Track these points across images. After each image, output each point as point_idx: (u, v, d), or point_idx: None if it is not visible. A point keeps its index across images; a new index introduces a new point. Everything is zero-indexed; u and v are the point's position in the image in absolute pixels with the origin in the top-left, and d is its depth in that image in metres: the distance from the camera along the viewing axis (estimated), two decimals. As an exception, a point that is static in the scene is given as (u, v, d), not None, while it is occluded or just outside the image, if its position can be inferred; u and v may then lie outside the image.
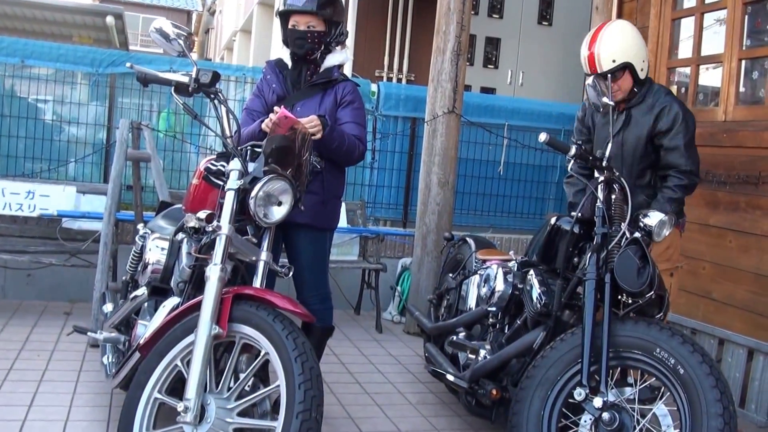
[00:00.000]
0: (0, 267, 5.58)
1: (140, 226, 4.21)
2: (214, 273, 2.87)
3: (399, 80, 8.71)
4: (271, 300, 2.87)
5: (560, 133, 7.05)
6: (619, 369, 3.27)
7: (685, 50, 5.57)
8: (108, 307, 4.20)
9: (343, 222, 6.00)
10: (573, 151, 3.43)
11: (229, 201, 3.01)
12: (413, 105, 6.70)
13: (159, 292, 3.42)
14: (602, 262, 3.31)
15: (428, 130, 5.61)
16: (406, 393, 4.53)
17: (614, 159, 3.86)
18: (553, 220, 3.74)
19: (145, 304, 3.56)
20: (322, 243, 3.94)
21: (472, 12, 8.49)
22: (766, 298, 4.51)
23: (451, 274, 4.71)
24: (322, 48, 3.78)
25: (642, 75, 3.91)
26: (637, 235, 3.35)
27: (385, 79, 8.60)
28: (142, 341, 3.05)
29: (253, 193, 2.99)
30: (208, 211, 2.98)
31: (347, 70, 8.01)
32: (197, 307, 2.87)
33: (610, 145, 3.54)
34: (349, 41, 8.14)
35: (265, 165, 3.06)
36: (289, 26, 3.77)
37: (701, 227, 4.97)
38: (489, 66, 8.73)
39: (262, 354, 2.83)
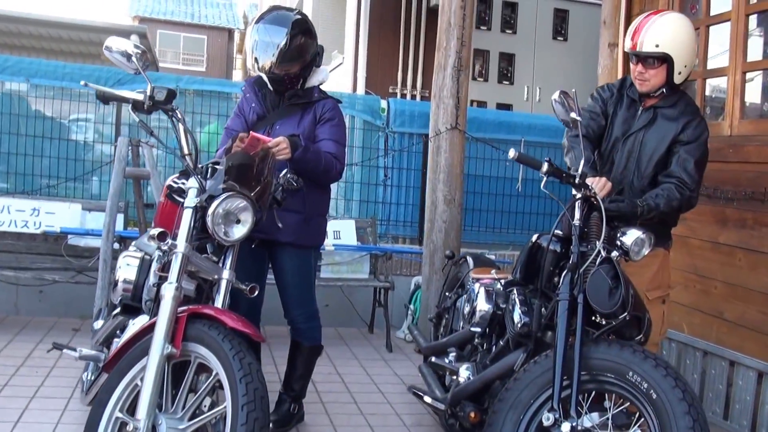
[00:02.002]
0: (12, 284, 5.66)
1: (133, 243, 4.23)
2: (168, 291, 2.86)
3: (413, 96, 8.68)
4: (222, 319, 2.84)
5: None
6: (594, 393, 3.16)
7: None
8: (98, 324, 4.21)
9: (353, 240, 5.98)
10: (545, 167, 3.31)
11: (186, 219, 3.00)
12: (425, 121, 6.58)
13: (131, 310, 3.41)
14: (576, 282, 3.20)
15: (432, 147, 5.57)
16: (402, 414, 4.46)
17: (630, 158, 3.76)
18: (534, 238, 3.65)
19: (129, 322, 3.57)
20: (306, 261, 3.91)
21: (485, 28, 8.51)
22: (775, 318, 4.34)
23: (448, 293, 4.64)
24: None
25: (678, 79, 3.68)
26: (614, 254, 3.24)
27: (399, 95, 8.57)
28: (106, 359, 3.06)
29: (210, 211, 2.98)
30: (160, 229, 2.96)
31: (360, 88, 8.02)
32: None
33: (582, 160, 3.43)
34: (361, 59, 8.19)
35: (224, 182, 3.04)
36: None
37: (712, 245, 4.81)
38: (504, 82, 8.64)
39: (213, 374, 2.80)
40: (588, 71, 8.83)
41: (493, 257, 5.35)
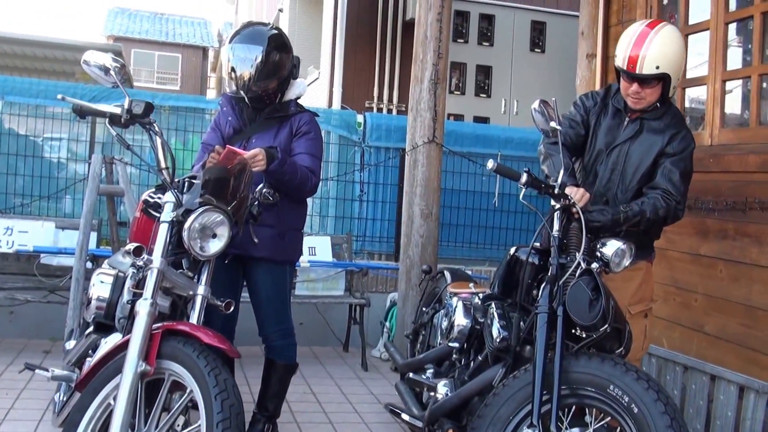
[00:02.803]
0: (-19, 304, 5.56)
1: (106, 261, 4.17)
2: (143, 308, 2.81)
3: (389, 110, 8.66)
4: (197, 335, 2.79)
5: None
6: (574, 407, 3.12)
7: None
8: (70, 344, 4.13)
9: (328, 256, 5.93)
10: (524, 178, 3.29)
11: (162, 234, 2.96)
12: (401, 135, 6.55)
13: (104, 328, 3.35)
14: (556, 295, 3.16)
15: (409, 161, 5.54)
16: (378, 434, 4.38)
17: (614, 171, 3.70)
18: (512, 251, 3.61)
19: (102, 341, 3.50)
20: (281, 276, 3.86)
21: (462, 40, 8.52)
22: (756, 331, 4.28)
23: (425, 308, 4.60)
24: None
25: (671, 92, 3.66)
26: (594, 265, 3.19)
27: (375, 109, 8.55)
28: (79, 378, 2.99)
29: (186, 225, 2.93)
30: (136, 245, 2.90)
31: (336, 103, 7.99)
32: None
33: (562, 171, 3.40)
34: (337, 73, 8.16)
35: (201, 197, 2.99)
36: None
37: (693, 257, 4.77)
38: (481, 95, 8.62)
39: (187, 391, 2.74)
40: (566, 83, 8.84)
41: (469, 272, 5.29)
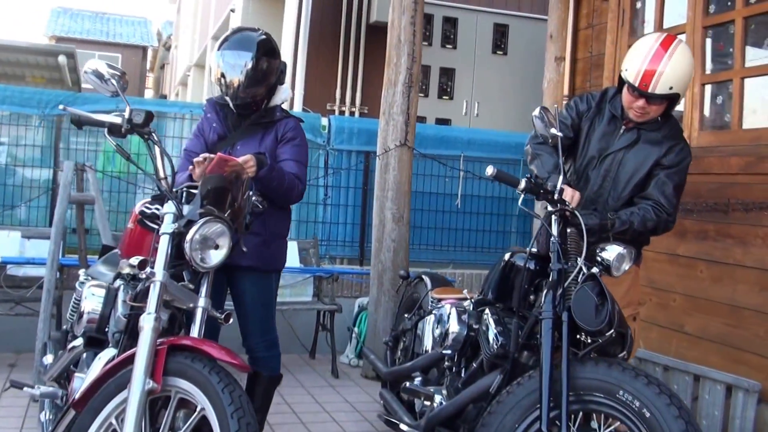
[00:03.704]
0: (-60, 317, 5.32)
1: (81, 271, 4.03)
2: (147, 323, 2.69)
3: (351, 113, 8.59)
4: (206, 351, 2.70)
5: (518, 164, 6.96)
6: (581, 413, 3.12)
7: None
8: (48, 359, 3.95)
9: (295, 262, 5.85)
10: (523, 184, 3.26)
11: (163, 246, 2.86)
12: (366, 138, 6.56)
13: (95, 342, 3.23)
14: (558, 300, 3.15)
15: (380, 165, 5.49)
16: (362, 442, 4.34)
17: (607, 178, 3.71)
18: (507, 256, 3.60)
19: (84, 356, 3.37)
20: (267, 286, 3.79)
21: (426, 43, 8.51)
22: (742, 330, 4.35)
23: (407, 315, 4.55)
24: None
25: (675, 108, 3.70)
26: (595, 270, 3.19)
27: (337, 112, 8.47)
28: (76, 397, 2.87)
29: (188, 237, 2.84)
30: (141, 258, 2.80)
31: (297, 105, 7.88)
32: (132, 359, 2.68)
33: (561, 176, 3.41)
34: (299, 75, 8.05)
35: (201, 207, 2.91)
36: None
37: (670, 257, 4.83)
38: (444, 97, 8.62)
39: (198, 409, 2.66)
40: (527, 84, 8.92)
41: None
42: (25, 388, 3.54)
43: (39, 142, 6.00)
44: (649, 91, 3.48)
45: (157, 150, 3.03)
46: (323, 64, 8.41)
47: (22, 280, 5.34)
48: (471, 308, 3.72)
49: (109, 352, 3.05)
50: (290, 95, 3.87)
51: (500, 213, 7.12)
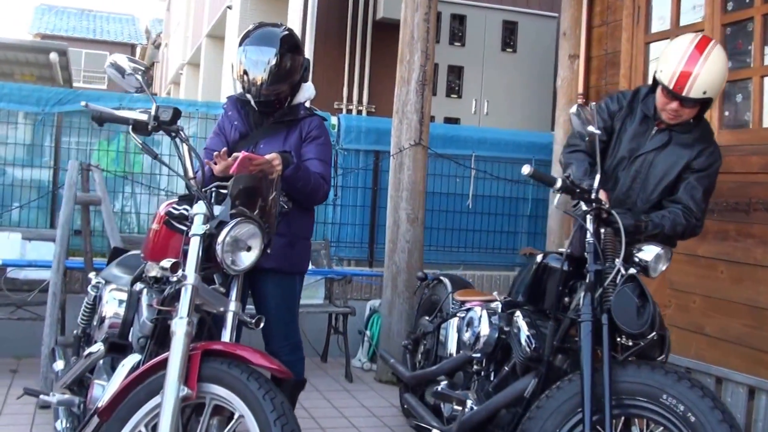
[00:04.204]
0: (-62, 322, 5.16)
1: (92, 275, 3.90)
2: (180, 328, 2.57)
3: (359, 112, 8.45)
4: (243, 356, 2.59)
5: (530, 163, 6.82)
6: (622, 418, 3.05)
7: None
8: (59, 365, 3.83)
9: (307, 264, 5.72)
10: (558, 184, 3.20)
11: (194, 248, 2.73)
12: (375, 137, 6.44)
13: (117, 348, 3.10)
14: (597, 302, 3.08)
15: (394, 164, 5.38)
16: (385, 447, 4.23)
17: (636, 179, 3.66)
18: (539, 258, 3.51)
19: (101, 362, 3.24)
20: (291, 288, 3.68)
21: (433, 41, 8.39)
22: (763, 331, 4.28)
23: (427, 317, 4.45)
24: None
25: (707, 111, 3.65)
26: (632, 271, 3.13)
27: (344, 111, 8.33)
28: (101, 404, 2.74)
29: (220, 239, 2.73)
30: (173, 260, 2.68)
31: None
32: (162, 365, 2.57)
33: (598, 175, 3.32)
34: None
35: (232, 207, 2.79)
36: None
37: (690, 258, 4.75)
38: (452, 95, 8.48)
39: (236, 417, 2.54)
40: (537, 82, 8.83)
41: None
42: (41, 396, 3.42)
43: (39, 140, 5.84)
44: (683, 94, 3.43)
45: (185, 148, 2.92)
46: (330, 62, 8.27)
47: (23, 283, 5.19)
48: (500, 310, 3.63)
49: (133, 358, 2.94)
50: (314, 93, 3.75)
51: (510, 213, 7.02)
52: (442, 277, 4.57)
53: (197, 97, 13.62)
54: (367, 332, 5.96)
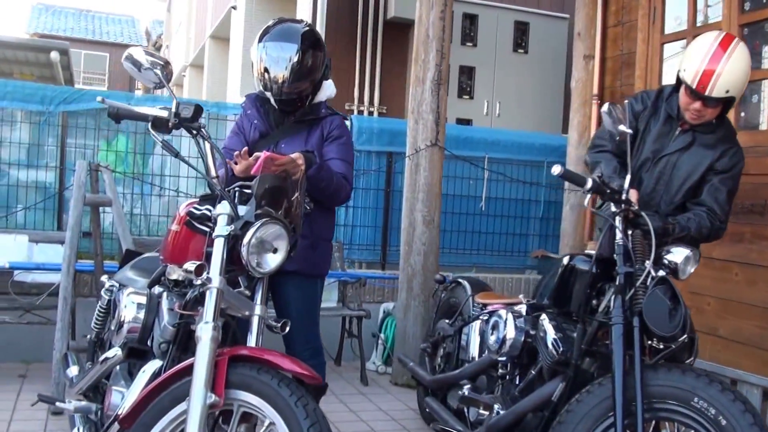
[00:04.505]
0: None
1: (104, 278, 3.81)
2: (205, 333, 2.47)
3: (370, 113, 8.36)
4: (273, 361, 2.50)
5: (542, 166, 6.80)
6: (653, 422, 3.00)
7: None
8: (73, 371, 3.73)
9: (320, 266, 5.65)
10: (589, 184, 3.15)
11: (218, 249, 2.64)
12: (388, 139, 6.37)
13: (136, 353, 3.01)
14: (627, 305, 3.03)
15: (410, 165, 5.30)
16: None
17: (660, 181, 3.62)
18: (566, 260, 3.45)
19: (117, 368, 3.16)
20: (312, 291, 3.58)
21: (446, 41, 8.31)
22: (776, 333, 4.27)
23: (447, 320, 4.38)
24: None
25: (730, 111, 3.61)
26: (662, 273, 3.08)
27: (356, 112, 8.24)
28: (123, 412, 2.65)
29: (245, 240, 2.62)
30: (198, 262, 2.59)
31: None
32: (186, 371, 2.48)
33: (629, 175, 3.26)
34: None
35: (257, 208, 2.71)
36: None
37: (704, 260, 4.66)
38: (464, 96, 8.39)
39: (267, 424, 2.45)
40: (548, 84, 8.76)
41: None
42: (57, 404, 3.33)
43: (44, 140, 5.73)
44: (706, 93, 3.39)
45: (207, 146, 2.83)
46: (340, 63, 8.17)
47: (30, 286, 5.08)
48: (525, 313, 3.56)
49: (154, 364, 2.84)
50: (334, 91, 3.66)
51: (522, 216, 6.95)
52: (460, 280, 4.52)
53: (201, 98, 13.53)
54: (381, 335, 5.89)
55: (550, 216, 6.97)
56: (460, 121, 8.36)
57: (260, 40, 3.43)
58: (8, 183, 5.65)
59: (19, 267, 4.94)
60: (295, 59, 3.35)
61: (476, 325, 3.99)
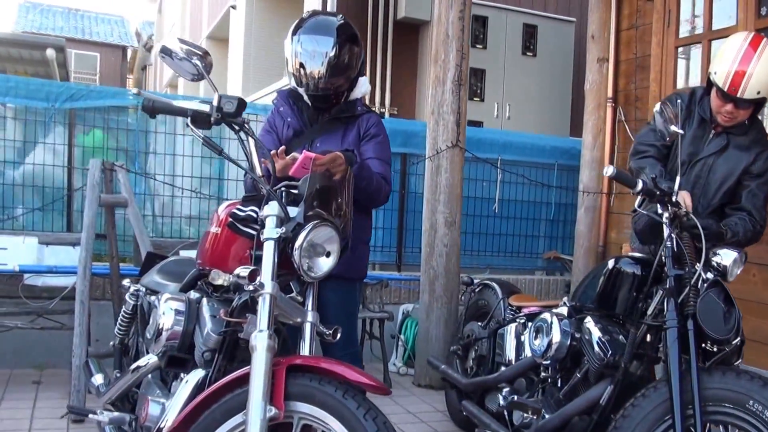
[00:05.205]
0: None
1: (126, 282, 3.69)
2: (261, 342, 2.33)
3: (382, 114, 8.27)
4: (336, 371, 2.38)
5: (553, 169, 6.75)
6: (708, 425, 2.95)
7: (693, 78, 5.35)
8: (98, 379, 3.61)
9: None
10: (640, 185, 3.13)
11: (269, 253, 2.50)
12: (402, 140, 6.27)
13: (176, 362, 2.89)
14: (683, 308, 3.01)
15: (431, 167, 5.21)
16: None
17: (697, 184, 3.62)
18: (611, 263, 3.39)
19: (149, 376, 3.04)
20: (352, 295, 3.50)
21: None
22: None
23: (480, 323, 4.30)
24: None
25: (763, 111, 3.61)
26: (709, 275, 3.09)
27: (367, 113, 8.15)
28: (168, 425, 2.53)
29: (297, 243, 2.50)
30: (251, 267, 2.47)
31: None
32: (238, 382, 2.37)
33: (678, 177, 3.20)
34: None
35: (311, 209, 2.59)
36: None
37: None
38: (475, 98, 8.31)
39: (331, 437, 2.34)
40: (556, 87, 8.75)
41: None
42: (90, 416, 3.20)
43: (51, 138, 5.56)
44: (738, 95, 3.40)
45: (251, 143, 2.71)
46: (352, 64, 8.08)
47: (41, 290, 4.95)
48: (568, 316, 3.49)
49: (196, 374, 2.69)
50: (369, 88, 3.56)
51: (531, 218, 6.90)
52: (488, 282, 4.46)
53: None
54: (402, 336, 5.81)
55: (560, 218, 6.93)
56: (472, 123, 8.26)
57: (294, 34, 3.31)
58: (13, 183, 5.47)
59: (30, 270, 4.82)
60: (332, 54, 3.24)
61: (512, 328, 3.93)
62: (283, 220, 2.57)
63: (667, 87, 5.39)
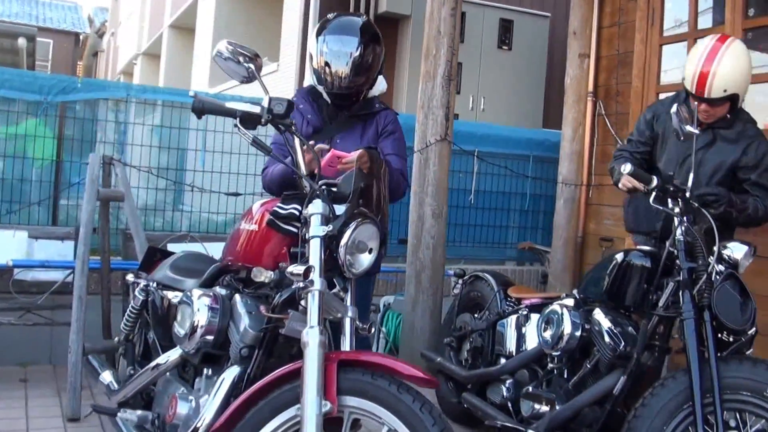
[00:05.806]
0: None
1: (130, 276, 3.68)
2: (313, 337, 2.36)
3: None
4: (389, 366, 2.42)
5: (528, 160, 6.87)
6: (724, 413, 3.04)
7: (675, 75, 5.49)
8: (107, 377, 3.58)
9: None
10: (654, 182, 3.26)
11: (316, 250, 2.54)
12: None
13: (211, 359, 2.90)
14: (699, 299, 3.12)
15: (420, 160, 5.28)
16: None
17: (688, 178, 3.64)
18: (620, 255, 3.50)
19: (167, 373, 3.05)
20: (366, 288, 3.53)
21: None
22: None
23: (476, 315, 4.37)
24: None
25: (740, 104, 3.69)
26: (721, 268, 3.19)
27: (348, 107, 8.15)
28: (208, 422, 2.54)
29: (343, 241, 2.56)
30: (308, 264, 2.50)
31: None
32: (285, 379, 2.40)
33: (692, 175, 3.32)
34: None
35: (356, 207, 2.64)
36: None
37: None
38: (453, 91, 8.45)
39: (385, 431, 2.38)
40: (530, 80, 8.92)
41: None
42: (118, 415, 3.18)
43: (41, 132, 5.45)
44: (705, 96, 3.52)
45: (298, 144, 2.74)
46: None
47: (30, 284, 4.86)
48: (576, 308, 3.59)
49: (233, 371, 2.71)
50: (386, 86, 3.61)
51: (504, 208, 6.99)
52: (481, 274, 4.52)
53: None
54: (383, 328, 5.83)
55: (533, 209, 7.05)
56: (448, 116, 8.38)
57: (319, 34, 3.37)
58: (2, 177, 5.36)
59: (22, 264, 4.73)
60: (356, 53, 3.30)
61: (512, 320, 4.00)
62: (328, 218, 2.60)
63: (651, 82, 5.52)
